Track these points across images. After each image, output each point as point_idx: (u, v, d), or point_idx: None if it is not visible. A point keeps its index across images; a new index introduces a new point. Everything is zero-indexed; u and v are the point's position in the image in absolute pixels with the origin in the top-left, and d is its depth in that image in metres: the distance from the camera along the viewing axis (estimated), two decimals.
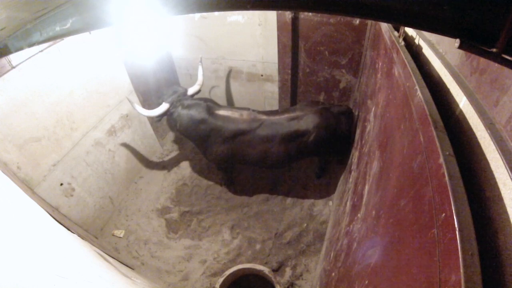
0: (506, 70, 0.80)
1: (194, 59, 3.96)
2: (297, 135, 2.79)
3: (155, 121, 3.40)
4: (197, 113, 2.94)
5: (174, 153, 4.07)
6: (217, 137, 2.94)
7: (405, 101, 1.21)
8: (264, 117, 2.90)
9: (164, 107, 2.94)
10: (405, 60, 1.32)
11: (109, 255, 2.34)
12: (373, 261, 1.12)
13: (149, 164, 3.91)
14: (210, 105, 3.02)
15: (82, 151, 2.89)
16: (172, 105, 2.99)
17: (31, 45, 0.94)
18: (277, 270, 2.72)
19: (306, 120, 2.78)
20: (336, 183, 3.36)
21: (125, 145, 3.49)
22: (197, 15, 3.49)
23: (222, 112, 2.97)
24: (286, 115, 2.88)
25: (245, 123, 2.88)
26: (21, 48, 0.98)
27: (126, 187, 3.57)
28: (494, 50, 0.54)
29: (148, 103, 3.72)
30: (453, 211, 0.62)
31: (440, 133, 0.84)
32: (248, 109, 3.01)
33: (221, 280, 2.31)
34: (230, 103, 4.32)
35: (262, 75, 3.76)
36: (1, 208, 1.40)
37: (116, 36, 3.15)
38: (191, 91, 3.15)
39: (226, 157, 3.01)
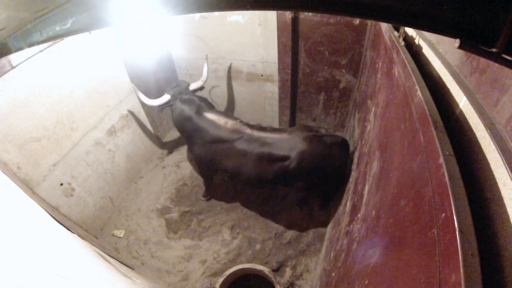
0: (506, 70, 0.80)
1: (194, 59, 3.97)
2: (276, 158, 2.52)
3: (156, 111, 3.51)
4: (187, 109, 2.98)
5: (174, 153, 4.07)
6: (198, 138, 2.94)
7: (405, 101, 1.21)
8: (247, 130, 2.71)
9: (165, 98, 3.04)
10: (405, 60, 1.32)
11: (109, 255, 2.34)
12: (373, 261, 1.12)
13: (149, 164, 3.91)
14: (201, 105, 3.01)
15: (82, 151, 2.90)
16: (173, 97, 3.06)
17: (31, 45, 0.94)
18: (277, 270, 2.72)
19: (290, 145, 2.48)
20: None
21: (125, 145, 3.49)
22: (197, 15, 3.49)
23: (209, 115, 2.92)
24: (270, 134, 2.63)
25: (225, 132, 2.76)
26: (21, 48, 0.98)
27: (126, 187, 3.57)
28: (494, 50, 0.54)
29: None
30: (453, 211, 0.62)
31: (440, 133, 0.84)
32: (236, 118, 2.89)
33: (221, 280, 2.31)
34: (230, 103, 4.32)
35: (262, 75, 3.76)
36: (1, 208, 1.40)
37: (116, 36, 3.15)
38: (193, 86, 3.21)
39: (205, 160, 2.99)
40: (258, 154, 2.57)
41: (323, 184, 2.70)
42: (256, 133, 2.67)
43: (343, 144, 2.54)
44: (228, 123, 2.81)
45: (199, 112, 2.95)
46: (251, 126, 2.77)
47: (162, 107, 3.08)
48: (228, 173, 2.91)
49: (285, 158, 2.49)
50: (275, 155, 2.52)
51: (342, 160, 2.55)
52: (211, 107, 3.13)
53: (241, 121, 2.84)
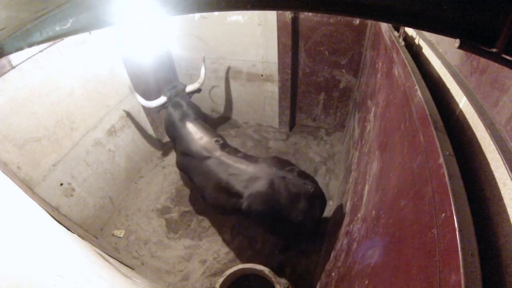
0: (506, 70, 0.80)
1: (194, 59, 3.97)
2: (232, 192, 2.26)
3: (153, 112, 3.54)
4: (174, 114, 2.95)
5: (174, 153, 4.07)
6: (177, 146, 2.93)
7: (405, 101, 1.21)
8: (217, 153, 2.49)
9: (161, 100, 3.01)
10: (405, 60, 1.32)
11: (109, 255, 2.34)
12: (373, 261, 1.12)
13: (149, 164, 3.91)
14: (186, 112, 2.94)
15: (82, 151, 2.90)
16: (169, 98, 3.04)
17: (31, 45, 0.94)
18: (277, 270, 2.71)
19: (249, 181, 2.18)
20: (336, 183, 3.37)
21: (125, 145, 3.49)
22: (197, 15, 3.49)
23: (189, 125, 2.84)
24: (237, 164, 2.35)
25: (197, 147, 2.62)
26: (21, 48, 0.98)
27: (126, 187, 3.57)
28: (494, 50, 0.54)
29: None
30: (453, 211, 0.62)
31: (440, 133, 0.84)
32: (215, 136, 2.70)
33: (221, 280, 2.30)
34: (230, 103, 4.32)
35: (262, 75, 3.76)
36: (1, 208, 1.40)
37: (116, 36, 3.15)
38: (189, 88, 3.17)
39: (182, 169, 2.96)
40: (218, 181, 2.35)
41: (279, 232, 2.38)
42: (224, 158, 2.43)
43: (314, 196, 2.05)
44: (203, 139, 2.67)
45: (182, 119, 2.90)
46: (223, 148, 2.56)
47: (158, 108, 3.05)
48: (198, 190, 2.74)
49: (239, 195, 2.21)
50: (232, 188, 2.26)
51: (308, 215, 2.06)
52: (197, 116, 3.01)
53: (217, 140, 2.65)
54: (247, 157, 2.46)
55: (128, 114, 3.49)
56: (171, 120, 2.96)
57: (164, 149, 4.13)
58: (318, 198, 2.10)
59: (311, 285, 2.56)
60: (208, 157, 2.50)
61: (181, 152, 2.83)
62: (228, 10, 0.68)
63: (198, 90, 3.24)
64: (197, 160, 2.58)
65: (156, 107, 3.02)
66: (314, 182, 2.16)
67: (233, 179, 2.28)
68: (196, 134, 2.75)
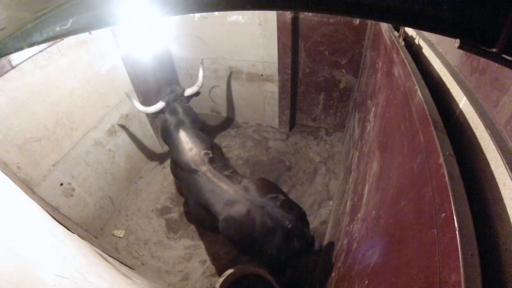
0: (506, 70, 0.80)
1: (194, 59, 3.97)
2: (210, 211, 2.22)
3: (151, 117, 3.52)
4: (169, 120, 2.90)
5: None
6: (171, 153, 2.91)
7: (405, 101, 1.21)
8: (203, 167, 2.39)
9: (159, 105, 2.96)
10: (405, 60, 1.32)
11: (109, 255, 2.34)
12: (373, 261, 1.12)
13: (149, 164, 3.91)
14: (181, 120, 2.86)
15: (82, 151, 2.90)
16: (167, 104, 3.00)
17: (31, 45, 0.94)
18: (276, 270, 2.71)
19: (227, 204, 2.09)
20: (336, 183, 3.37)
21: (125, 145, 3.49)
22: (197, 15, 3.49)
23: (182, 134, 2.72)
24: (221, 182, 2.24)
25: (185, 157, 2.54)
26: (21, 48, 0.98)
27: (126, 187, 3.57)
28: (494, 50, 0.54)
29: (148, 104, 3.71)
30: (453, 211, 0.62)
31: (440, 133, 0.84)
32: (207, 149, 2.57)
33: (221, 280, 2.30)
34: (230, 103, 4.32)
35: (262, 75, 3.76)
36: (1, 208, 1.40)
37: (116, 36, 3.15)
38: (188, 92, 3.12)
39: (174, 176, 2.94)
40: (200, 197, 2.32)
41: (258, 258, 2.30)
42: (209, 174, 2.34)
43: (291, 233, 1.85)
44: (193, 150, 2.57)
45: (177, 127, 2.81)
46: (211, 162, 2.46)
47: (156, 114, 3.00)
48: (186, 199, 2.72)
49: (216, 215, 2.15)
50: (210, 207, 2.20)
51: (283, 251, 1.90)
52: (192, 124, 2.92)
53: (206, 153, 2.54)
54: (232, 176, 2.32)
55: (129, 114, 3.48)
56: (166, 127, 2.91)
57: (164, 150, 4.13)
58: (296, 235, 1.88)
59: (311, 285, 2.56)
60: (194, 171, 2.41)
61: (173, 160, 2.82)
62: (228, 10, 0.68)
63: (196, 94, 3.19)
64: (184, 172, 2.53)
65: (154, 113, 2.97)
66: (298, 214, 1.97)
67: (213, 198, 2.20)
68: (187, 145, 2.64)
